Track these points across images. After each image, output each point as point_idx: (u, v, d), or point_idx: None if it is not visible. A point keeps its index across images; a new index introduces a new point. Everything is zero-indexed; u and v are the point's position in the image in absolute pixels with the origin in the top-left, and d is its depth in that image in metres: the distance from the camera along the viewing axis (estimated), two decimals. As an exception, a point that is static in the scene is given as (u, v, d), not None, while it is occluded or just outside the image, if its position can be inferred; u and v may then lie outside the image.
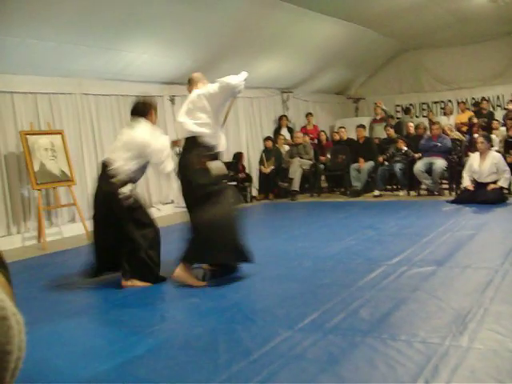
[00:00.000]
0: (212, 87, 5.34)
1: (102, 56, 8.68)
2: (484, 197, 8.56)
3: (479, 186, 8.82)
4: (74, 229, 8.76)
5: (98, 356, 3.48)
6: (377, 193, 10.86)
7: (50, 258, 7.07)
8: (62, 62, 8.38)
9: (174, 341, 3.61)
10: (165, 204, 10.65)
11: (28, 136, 8.10)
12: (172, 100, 10.78)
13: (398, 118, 14.73)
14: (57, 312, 4.48)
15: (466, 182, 8.99)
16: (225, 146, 5.67)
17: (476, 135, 10.15)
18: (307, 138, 12.59)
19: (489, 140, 9.13)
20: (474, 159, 9.00)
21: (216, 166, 5.17)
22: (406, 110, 15.26)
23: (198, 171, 5.06)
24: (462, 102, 14.25)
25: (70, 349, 3.65)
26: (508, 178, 8.81)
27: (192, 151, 5.12)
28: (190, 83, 5.67)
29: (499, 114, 13.51)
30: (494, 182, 8.71)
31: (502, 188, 8.75)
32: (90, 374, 3.19)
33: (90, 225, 8.44)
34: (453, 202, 9.01)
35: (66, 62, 8.41)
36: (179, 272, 4.96)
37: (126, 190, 5.06)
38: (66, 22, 7.49)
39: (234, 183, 11.30)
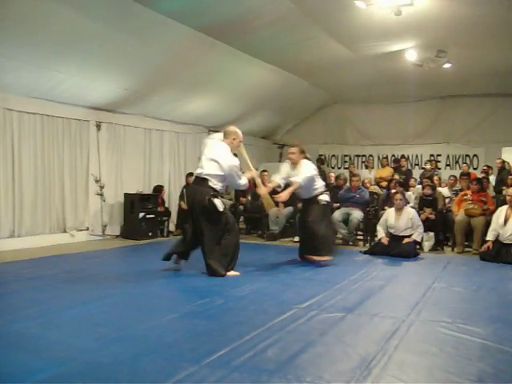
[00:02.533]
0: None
1: (32, 73, 8.50)
2: (398, 249, 8.80)
3: (394, 239, 9.06)
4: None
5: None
6: (297, 239, 10.97)
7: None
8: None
9: (76, 369, 3.49)
10: (79, 230, 10.41)
11: None
12: (98, 126, 10.65)
13: (319, 168, 15.03)
14: None
15: (381, 235, 9.21)
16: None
17: (393, 190, 10.47)
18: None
19: (404, 197, 9.43)
20: (389, 214, 9.24)
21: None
22: (321, 160, 15.66)
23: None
24: (384, 158, 14.72)
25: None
26: (421, 233, 9.09)
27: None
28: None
29: (416, 173, 14.04)
30: (409, 236, 8.97)
31: (415, 242, 9.01)
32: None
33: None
34: (366, 252, 9.22)
35: (-7, 74, 8.21)
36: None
37: None
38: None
39: (152, 216, 11.22)
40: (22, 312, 4.88)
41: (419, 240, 9.16)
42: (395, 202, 9.19)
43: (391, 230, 9.15)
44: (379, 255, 8.82)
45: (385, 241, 9.07)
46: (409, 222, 8.99)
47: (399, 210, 9.12)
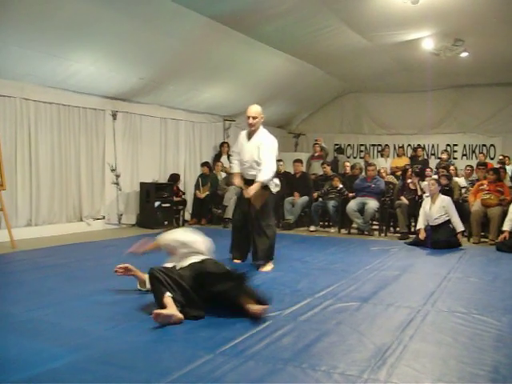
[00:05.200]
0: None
1: (48, 62, 8.54)
2: (436, 240, 8.66)
3: (432, 229, 8.87)
4: (-3, 235, 8.49)
5: (10, 366, 3.35)
6: (312, 228, 11.00)
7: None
8: (6, 64, 8.21)
9: (94, 355, 3.53)
10: (96, 219, 10.47)
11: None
12: (114, 115, 10.68)
13: (335, 157, 15.02)
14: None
15: (419, 226, 9.04)
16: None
17: (409, 180, 10.43)
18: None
19: (439, 183, 9.20)
20: (426, 202, 9.07)
21: None
22: (339, 150, 15.61)
23: None
24: (400, 147, 14.65)
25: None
26: (458, 222, 8.78)
27: None
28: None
29: (433, 163, 13.97)
30: (448, 222, 8.78)
31: (456, 234, 8.78)
32: (0, 384, 3.08)
33: (15, 232, 8.28)
34: (410, 243, 9.09)
35: (10, 64, 8.25)
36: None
37: None
38: (13, 23, 7.35)
39: (168, 205, 11.25)
40: (38, 300, 4.93)
41: (462, 229, 8.85)
42: (430, 188, 8.98)
43: (427, 219, 8.96)
44: (421, 246, 8.75)
45: (421, 236, 8.91)
46: (441, 210, 8.76)
47: (433, 196, 8.91)
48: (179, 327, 4.18)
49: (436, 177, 10.16)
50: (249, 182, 6.69)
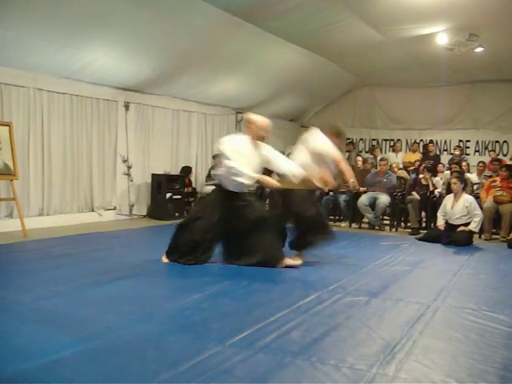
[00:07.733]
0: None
1: (62, 53, 8.56)
2: (450, 238, 8.62)
3: (449, 227, 8.83)
4: (9, 224, 8.53)
5: (21, 355, 3.36)
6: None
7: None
8: (20, 54, 8.24)
9: (104, 345, 3.55)
10: (107, 210, 10.51)
11: (-26, 125, 7.92)
12: (126, 106, 10.69)
13: (347, 152, 14.95)
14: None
15: (440, 222, 8.95)
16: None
17: (421, 175, 10.39)
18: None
19: (462, 181, 9.08)
20: (448, 200, 8.95)
21: None
22: (352, 144, 15.53)
23: None
24: (416, 143, 14.59)
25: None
26: (478, 223, 8.67)
27: None
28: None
29: (445, 158, 13.90)
30: (465, 225, 8.67)
31: (470, 231, 8.71)
32: (10, 372, 3.08)
33: (27, 221, 8.33)
34: (420, 239, 9.09)
35: (24, 54, 8.27)
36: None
37: None
38: (27, 14, 7.36)
39: (179, 197, 11.28)
40: (50, 289, 4.96)
41: (476, 231, 8.81)
42: (451, 187, 8.91)
43: (446, 216, 8.89)
44: (432, 242, 8.72)
45: (442, 227, 8.85)
46: (464, 210, 8.65)
47: (456, 195, 8.81)
48: (189, 318, 4.20)
49: (448, 173, 10.10)
50: None
